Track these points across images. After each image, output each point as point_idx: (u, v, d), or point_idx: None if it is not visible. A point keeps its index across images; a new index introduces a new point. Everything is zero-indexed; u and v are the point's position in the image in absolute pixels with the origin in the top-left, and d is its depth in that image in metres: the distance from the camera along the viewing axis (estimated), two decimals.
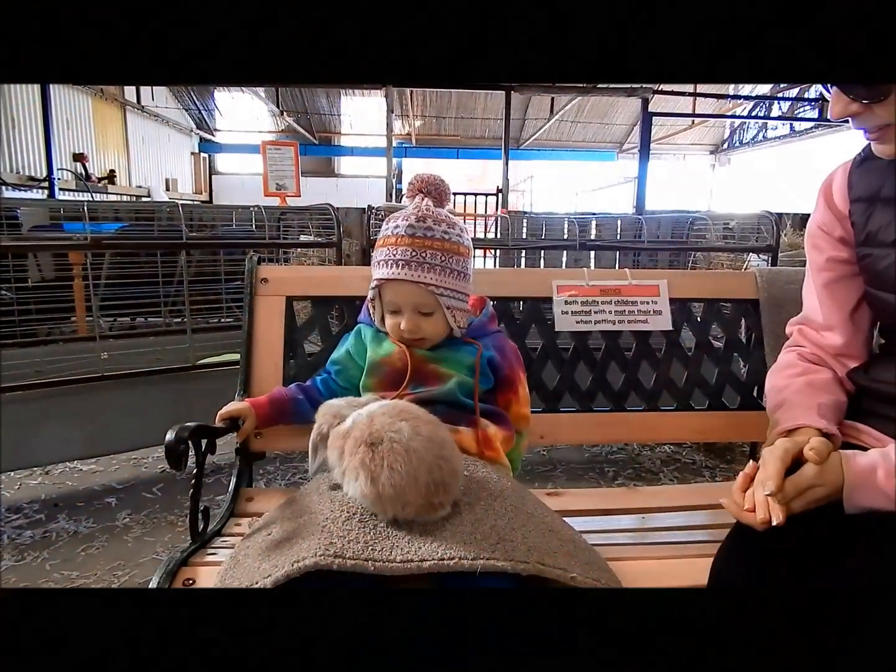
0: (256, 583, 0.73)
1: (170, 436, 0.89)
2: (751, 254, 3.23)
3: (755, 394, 1.32)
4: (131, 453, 2.56)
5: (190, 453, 0.93)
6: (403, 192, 1.08)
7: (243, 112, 12.57)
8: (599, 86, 8.20)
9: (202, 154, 12.88)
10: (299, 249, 3.13)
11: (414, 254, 0.96)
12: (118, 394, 2.15)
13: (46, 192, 6.69)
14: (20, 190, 6.65)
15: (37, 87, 6.79)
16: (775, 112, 11.32)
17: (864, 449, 0.78)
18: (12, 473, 2.31)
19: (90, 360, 2.11)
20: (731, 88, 11.68)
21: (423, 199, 1.01)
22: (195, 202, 10.97)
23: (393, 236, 0.98)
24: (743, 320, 1.36)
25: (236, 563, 0.83)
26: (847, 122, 0.78)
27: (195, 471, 0.97)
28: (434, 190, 1.02)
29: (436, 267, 0.96)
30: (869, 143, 0.83)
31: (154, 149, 10.85)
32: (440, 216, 0.99)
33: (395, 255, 0.97)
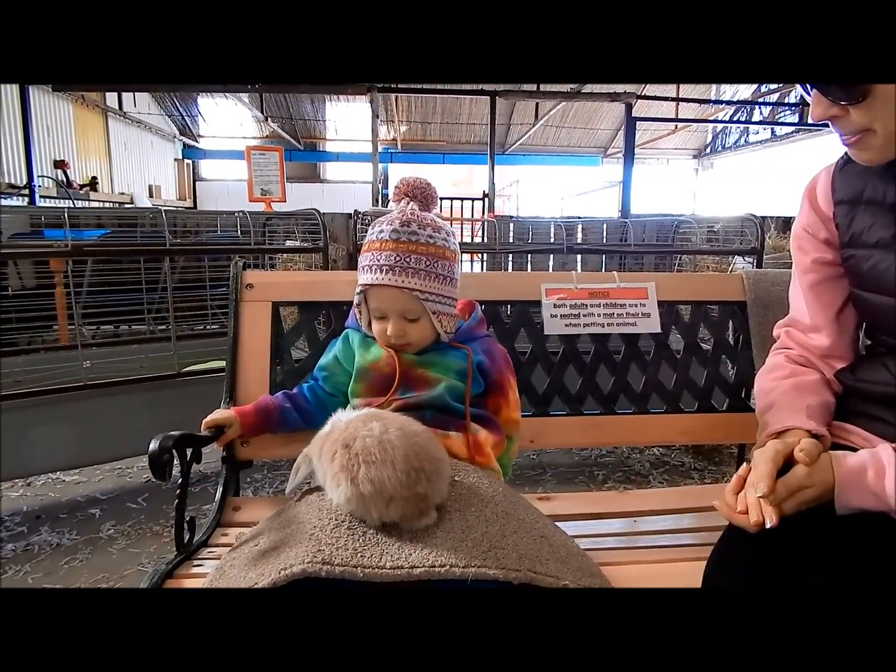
0: None
1: (153, 445, 0.87)
2: (736, 256, 3.25)
3: (743, 395, 1.33)
4: (115, 463, 2.52)
5: (175, 462, 0.91)
6: (390, 197, 1.07)
7: (227, 118, 12.49)
8: (583, 91, 8.27)
9: (186, 160, 12.77)
10: (285, 255, 3.10)
11: (398, 258, 0.94)
12: (101, 403, 2.11)
13: (27, 199, 6.60)
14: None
15: (16, 94, 6.71)
16: (756, 117, 11.46)
17: (854, 449, 0.78)
18: None
19: (72, 369, 2.07)
20: (713, 93, 11.83)
21: (408, 203, 0.99)
22: (179, 208, 10.87)
23: (377, 241, 0.96)
24: (730, 322, 1.37)
25: (222, 573, 0.81)
26: (827, 125, 0.78)
27: (180, 480, 0.95)
28: (420, 194, 1.01)
29: (420, 272, 0.95)
30: None
31: (137, 155, 10.74)
32: (425, 220, 0.97)
33: (379, 260, 0.95)
